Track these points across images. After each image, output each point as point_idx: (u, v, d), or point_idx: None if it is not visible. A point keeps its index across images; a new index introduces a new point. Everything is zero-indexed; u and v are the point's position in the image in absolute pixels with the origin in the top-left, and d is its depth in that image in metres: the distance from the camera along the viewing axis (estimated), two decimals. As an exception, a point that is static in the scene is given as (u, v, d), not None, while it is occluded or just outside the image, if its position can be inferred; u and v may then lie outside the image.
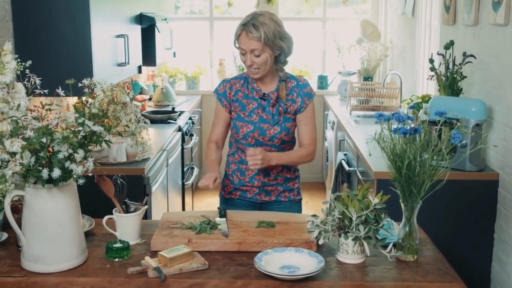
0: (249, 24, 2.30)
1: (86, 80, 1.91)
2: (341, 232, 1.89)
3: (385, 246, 1.91)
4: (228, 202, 2.55)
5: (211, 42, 6.30)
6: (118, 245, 1.93)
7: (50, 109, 1.80)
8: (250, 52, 2.33)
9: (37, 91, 1.81)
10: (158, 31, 4.34)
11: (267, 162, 2.34)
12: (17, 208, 2.07)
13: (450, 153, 1.85)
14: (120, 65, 3.48)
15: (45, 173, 1.69)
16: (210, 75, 6.30)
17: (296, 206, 2.57)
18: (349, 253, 1.91)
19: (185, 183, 4.50)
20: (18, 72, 1.80)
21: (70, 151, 1.73)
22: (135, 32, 3.95)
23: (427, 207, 2.04)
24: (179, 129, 4.36)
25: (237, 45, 2.38)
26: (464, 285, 1.79)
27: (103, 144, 1.87)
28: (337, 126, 4.78)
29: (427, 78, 3.60)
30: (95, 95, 1.90)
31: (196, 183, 5.43)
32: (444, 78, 3.22)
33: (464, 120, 2.87)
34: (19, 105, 1.74)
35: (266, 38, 2.30)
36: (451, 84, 3.17)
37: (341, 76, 5.84)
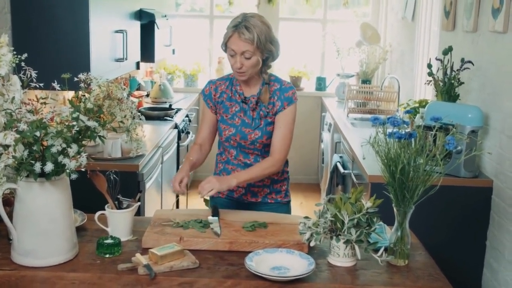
0: (241, 26, 2.25)
1: (82, 74, 1.91)
2: (332, 235, 1.89)
3: (376, 250, 1.91)
4: (215, 201, 2.53)
5: (210, 40, 6.30)
6: (109, 241, 1.92)
7: (45, 103, 1.80)
8: (240, 54, 2.27)
9: (33, 84, 1.81)
10: (158, 28, 4.33)
11: (226, 184, 2.25)
12: (9, 201, 2.06)
13: (445, 158, 1.85)
14: (118, 60, 3.47)
15: (37, 166, 1.69)
16: (209, 73, 6.30)
17: (283, 208, 2.54)
18: (340, 256, 1.91)
19: (180, 180, 4.49)
20: (14, 65, 1.80)
21: (64, 145, 1.73)
22: (134, 28, 3.94)
23: (420, 212, 2.04)
24: (176, 127, 4.36)
25: (223, 48, 2.33)
26: (454, 291, 1.80)
27: (97, 139, 1.87)
28: (333, 128, 4.78)
29: (425, 83, 3.60)
30: (90, 90, 1.90)
31: (190, 181, 5.43)
32: (441, 84, 3.22)
33: (460, 126, 2.87)
34: (13, 98, 1.74)
35: (258, 41, 2.25)
36: (448, 90, 3.18)
37: (339, 78, 5.83)
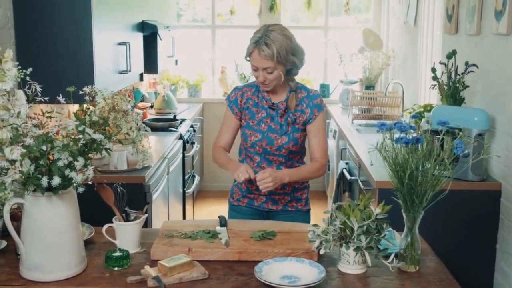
0: (261, 42, 2.27)
1: (87, 87, 1.91)
2: (342, 242, 1.88)
3: (386, 257, 1.90)
4: (235, 209, 2.55)
5: (213, 50, 6.31)
6: (118, 253, 1.91)
7: (50, 117, 1.80)
8: (262, 69, 2.32)
9: (38, 99, 1.81)
10: (160, 39, 4.34)
11: (280, 181, 2.31)
12: (17, 216, 2.06)
13: (452, 163, 1.84)
14: (121, 72, 3.48)
15: (44, 181, 1.68)
16: (212, 83, 6.31)
17: (303, 216, 2.55)
18: (351, 263, 1.89)
19: (186, 191, 4.49)
20: (19, 79, 1.80)
21: (70, 159, 1.72)
22: (137, 40, 3.95)
23: (429, 217, 2.02)
24: (180, 137, 4.35)
25: (248, 59, 2.36)
26: (466, 296, 1.78)
27: (103, 152, 1.86)
28: (338, 134, 4.77)
29: (429, 87, 3.59)
30: (95, 103, 1.89)
31: (197, 192, 5.42)
32: (446, 88, 3.21)
33: (467, 130, 2.86)
34: (19, 113, 1.74)
35: (278, 56, 2.27)
36: (453, 94, 3.17)
37: (343, 85, 5.83)
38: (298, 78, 6.40)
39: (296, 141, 2.44)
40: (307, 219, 2.58)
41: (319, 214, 5.24)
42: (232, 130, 2.51)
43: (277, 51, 2.26)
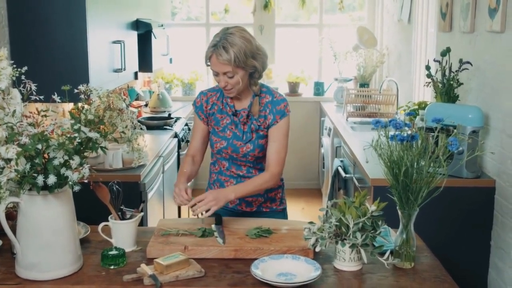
0: (219, 46, 2.19)
1: (82, 86, 1.91)
2: (338, 239, 1.88)
3: (382, 254, 1.91)
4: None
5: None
6: (114, 252, 1.92)
7: (45, 115, 1.80)
8: (222, 74, 2.24)
9: (33, 97, 1.80)
10: (155, 37, 4.33)
11: (224, 200, 2.20)
12: (12, 215, 2.06)
13: (446, 160, 1.85)
14: (116, 71, 3.47)
15: (40, 179, 1.68)
16: (206, 81, 6.30)
17: (279, 216, 2.50)
18: (346, 261, 1.90)
19: (181, 189, 4.48)
20: (14, 78, 1.79)
21: (66, 157, 1.72)
22: (132, 38, 3.95)
23: (423, 214, 2.03)
24: (175, 135, 4.35)
25: (208, 63, 2.28)
26: (461, 292, 1.79)
27: (99, 150, 1.86)
28: (333, 132, 4.78)
29: (424, 85, 3.60)
30: (91, 101, 1.89)
31: (192, 190, 5.42)
32: (440, 85, 3.22)
33: (461, 127, 2.87)
34: (14, 111, 1.73)
35: (236, 60, 2.19)
36: (447, 91, 3.18)
37: (337, 83, 5.84)
38: (293, 76, 6.37)
39: (262, 147, 2.37)
40: (283, 218, 2.55)
41: (314, 211, 5.22)
42: (202, 136, 2.45)
43: (234, 55, 2.18)
